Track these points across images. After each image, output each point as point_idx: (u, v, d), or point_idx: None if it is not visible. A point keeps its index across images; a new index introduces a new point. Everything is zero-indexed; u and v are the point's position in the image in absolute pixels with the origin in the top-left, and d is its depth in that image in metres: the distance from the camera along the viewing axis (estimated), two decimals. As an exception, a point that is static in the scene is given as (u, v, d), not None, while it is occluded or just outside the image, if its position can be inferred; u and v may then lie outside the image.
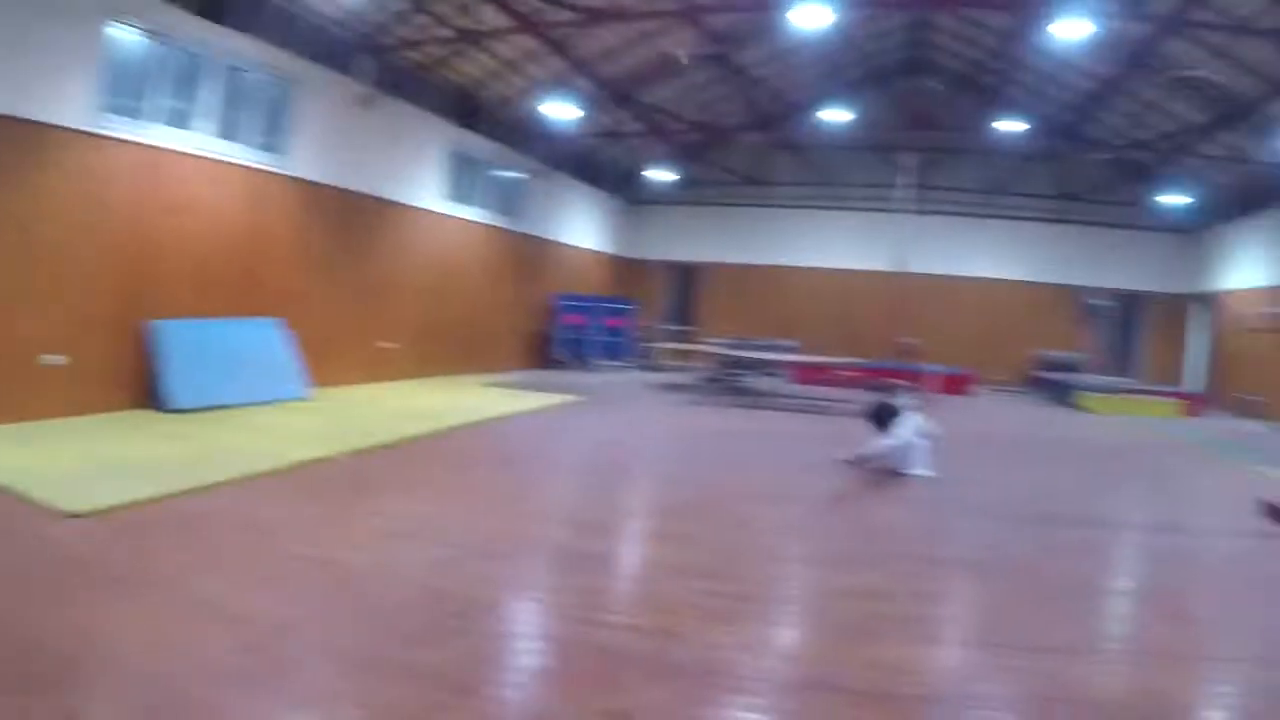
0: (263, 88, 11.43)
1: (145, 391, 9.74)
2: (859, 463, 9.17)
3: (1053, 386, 20.03)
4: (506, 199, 18.29)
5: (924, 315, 21.43)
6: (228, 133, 10.92)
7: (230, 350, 10.51)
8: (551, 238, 20.37)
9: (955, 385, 18.39)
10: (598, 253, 23.30)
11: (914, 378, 11.24)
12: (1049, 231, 22.76)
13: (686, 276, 24.98)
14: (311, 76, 12.07)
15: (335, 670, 3.70)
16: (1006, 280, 22.80)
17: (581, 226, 22.17)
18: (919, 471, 8.98)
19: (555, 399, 13.84)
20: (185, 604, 4.24)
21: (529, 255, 19.17)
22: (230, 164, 10.94)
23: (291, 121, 11.89)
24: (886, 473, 9.02)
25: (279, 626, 4.06)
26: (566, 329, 19.90)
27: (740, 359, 17.30)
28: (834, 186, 23.41)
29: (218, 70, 10.65)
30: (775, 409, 14.87)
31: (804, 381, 16.94)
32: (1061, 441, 13.48)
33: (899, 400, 10.05)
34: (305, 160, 12.10)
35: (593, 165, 22.33)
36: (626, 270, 24.62)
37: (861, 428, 9.59)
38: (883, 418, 9.32)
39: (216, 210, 10.80)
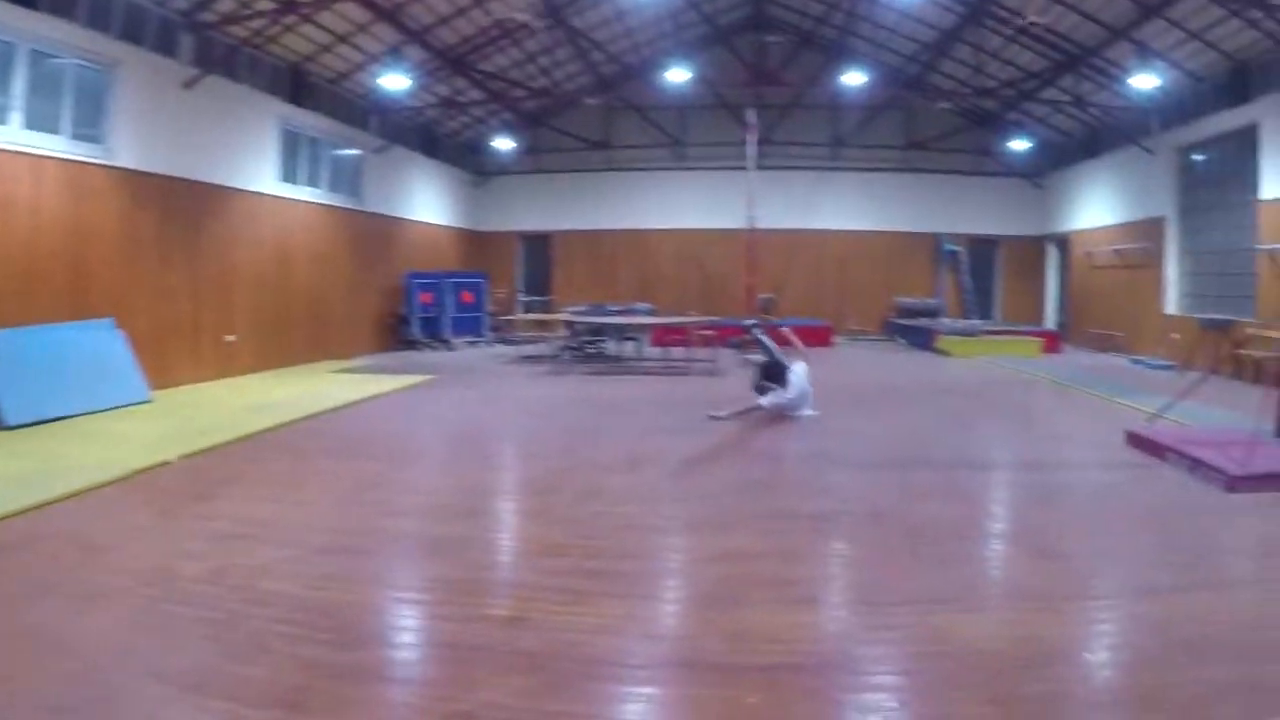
0: (79, 74, 11.70)
1: (-26, 411, 9.90)
2: (740, 416, 10.58)
3: (912, 332, 21.69)
4: (346, 178, 18.86)
5: (781, 270, 22.92)
6: (44, 124, 11.15)
7: (62, 358, 10.62)
8: (397, 215, 21.00)
9: (814, 337, 19.62)
10: (447, 228, 24.05)
11: (774, 332, 12.36)
12: (900, 181, 24.71)
13: (540, 246, 26.01)
14: (131, 59, 12.39)
15: (162, 695, 3.66)
16: (860, 231, 24.68)
17: (428, 202, 22.84)
18: (807, 412, 10.74)
19: (409, 380, 14.46)
20: (13, 634, 4.24)
21: (374, 234, 19.76)
22: (48, 157, 11.12)
23: (112, 108, 12.18)
24: (766, 420, 10.47)
25: (108, 650, 4.09)
26: (419, 308, 20.50)
27: (596, 325, 18.27)
28: (682, 146, 24.87)
29: (30, 58, 10.89)
30: (635, 373, 16.05)
31: (662, 343, 17.92)
32: (924, 385, 14.86)
33: (765, 346, 11.37)
34: (129, 149, 12.40)
35: (435, 138, 23.01)
36: (478, 244, 25.50)
37: (724, 385, 10.58)
38: (777, 374, 10.88)
39: (36, 209, 10.93)
